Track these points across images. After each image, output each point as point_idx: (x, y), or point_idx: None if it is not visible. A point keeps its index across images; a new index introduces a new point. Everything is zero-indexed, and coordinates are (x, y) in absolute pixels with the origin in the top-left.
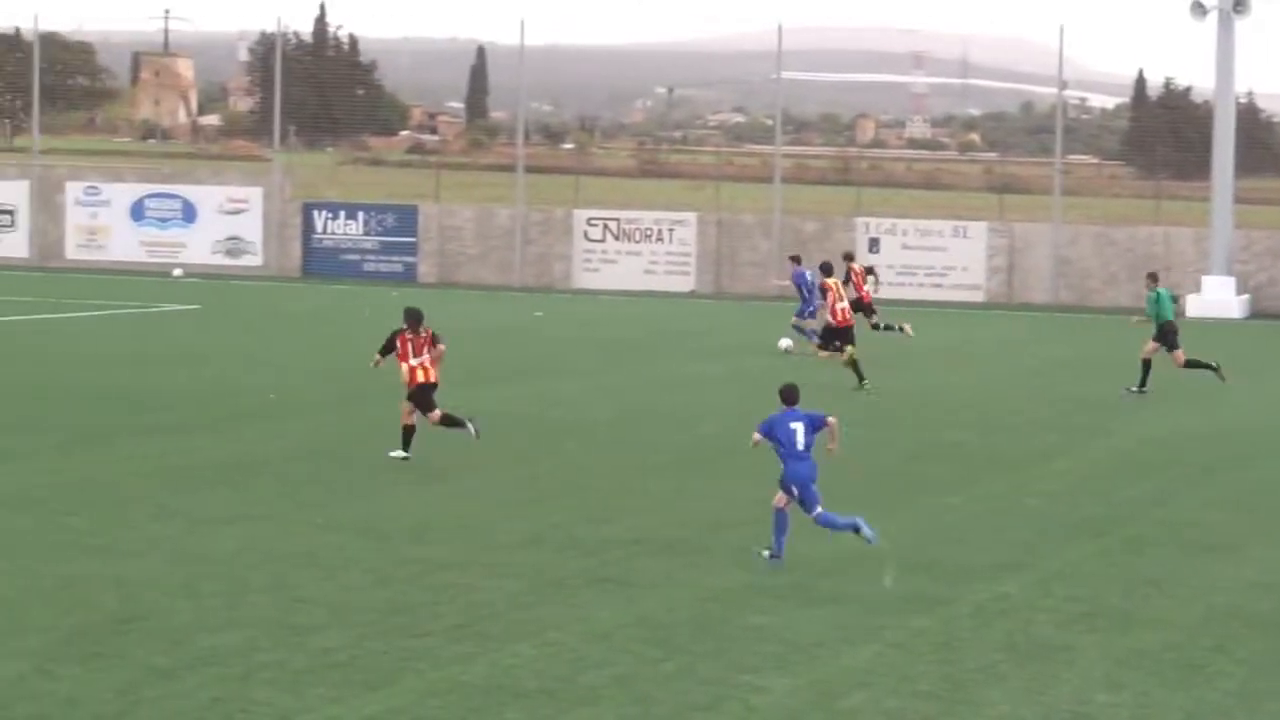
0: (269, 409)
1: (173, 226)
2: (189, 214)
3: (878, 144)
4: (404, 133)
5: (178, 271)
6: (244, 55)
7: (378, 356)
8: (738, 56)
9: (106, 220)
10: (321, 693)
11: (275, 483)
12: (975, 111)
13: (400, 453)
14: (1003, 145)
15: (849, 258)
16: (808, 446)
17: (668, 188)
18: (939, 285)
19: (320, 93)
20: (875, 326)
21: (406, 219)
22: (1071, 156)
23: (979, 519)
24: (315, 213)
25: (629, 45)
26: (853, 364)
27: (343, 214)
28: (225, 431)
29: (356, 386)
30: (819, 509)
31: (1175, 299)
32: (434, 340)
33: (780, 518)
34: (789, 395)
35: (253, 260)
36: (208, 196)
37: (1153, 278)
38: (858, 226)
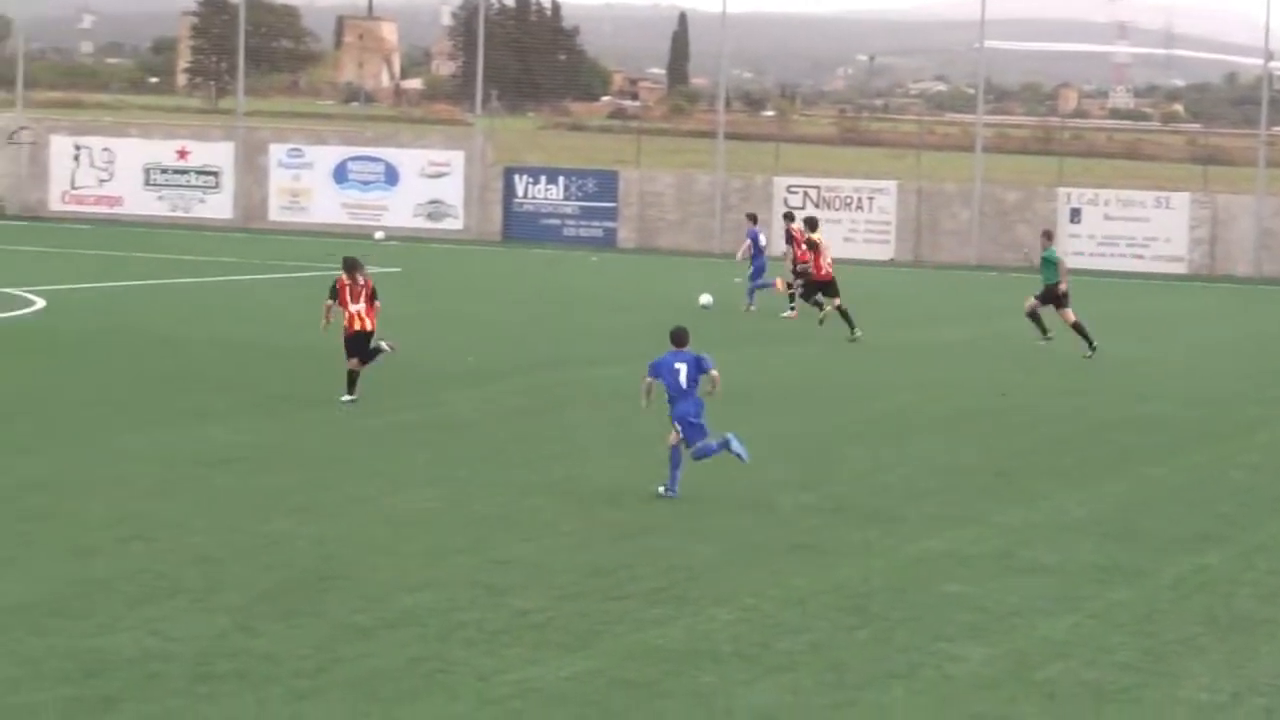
0: (468, 372)
1: (375, 189)
2: (391, 177)
3: (1080, 114)
4: (605, 98)
5: (379, 234)
6: (447, 19)
7: (328, 303)
8: (940, 25)
9: (309, 183)
10: (518, 653)
11: (475, 444)
12: (1179, 82)
13: (348, 397)
14: (1206, 117)
15: (788, 218)
16: (691, 384)
17: (868, 156)
18: (1140, 256)
19: (522, 57)
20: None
21: (607, 184)
22: (1277, 128)
23: (1181, 491)
24: (516, 177)
25: (831, 13)
26: (842, 314)
27: (544, 179)
28: (424, 394)
29: (555, 351)
30: (699, 444)
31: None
32: (373, 295)
33: (674, 454)
34: (678, 337)
35: (454, 224)
36: (410, 160)
37: (1047, 236)
38: (1059, 197)
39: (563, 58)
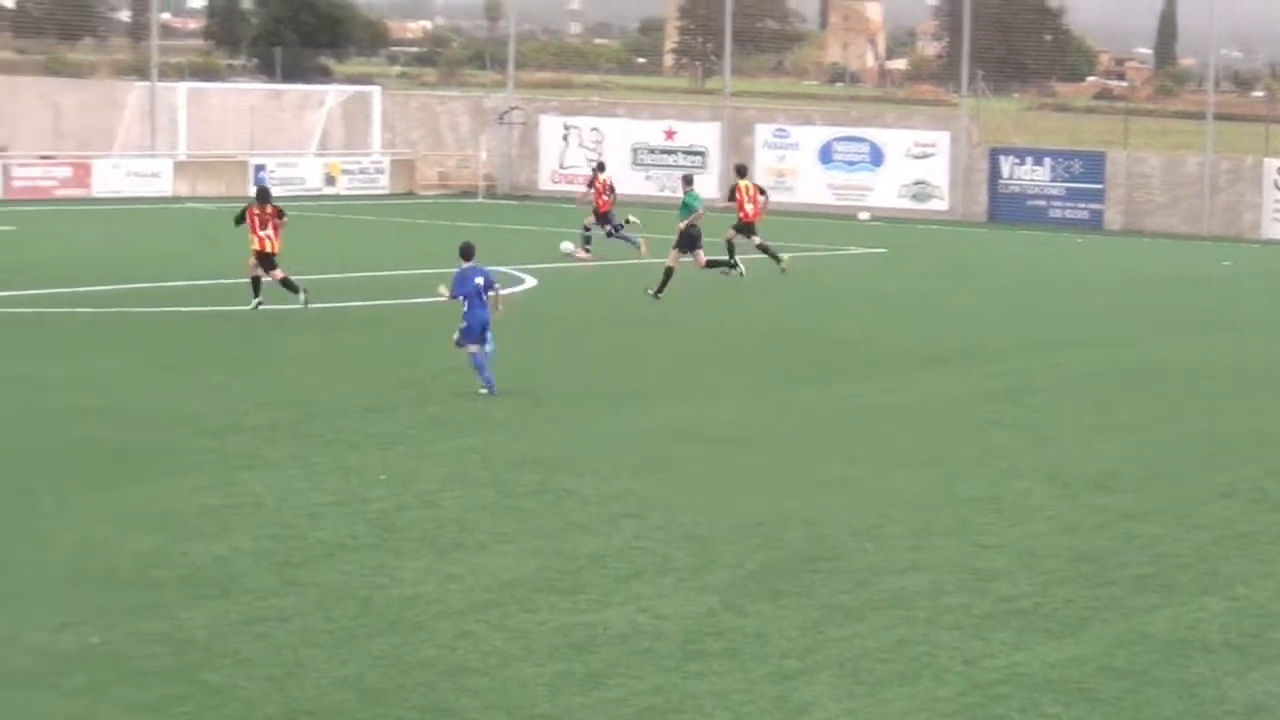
0: (950, 354)
1: (860, 170)
2: (876, 158)
3: None
4: (1091, 79)
5: (864, 215)
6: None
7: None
8: None
9: (794, 163)
10: (1005, 638)
11: (955, 427)
12: None
13: (256, 301)
14: None
15: (741, 172)
16: (484, 291)
17: None
18: None
19: (1007, 37)
20: (760, 248)
21: (1094, 166)
22: None
23: None
24: (1002, 158)
25: None
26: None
27: (1029, 160)
28: (901, 375)
29: (1034, 335)
30: (487, 348)
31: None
32: (279, 213)
33: (475, 360)
34: (467, 252)
35: (939, 205)
36: (895, 140)
37: (687, 180)
38: None
39: (1048, 38)
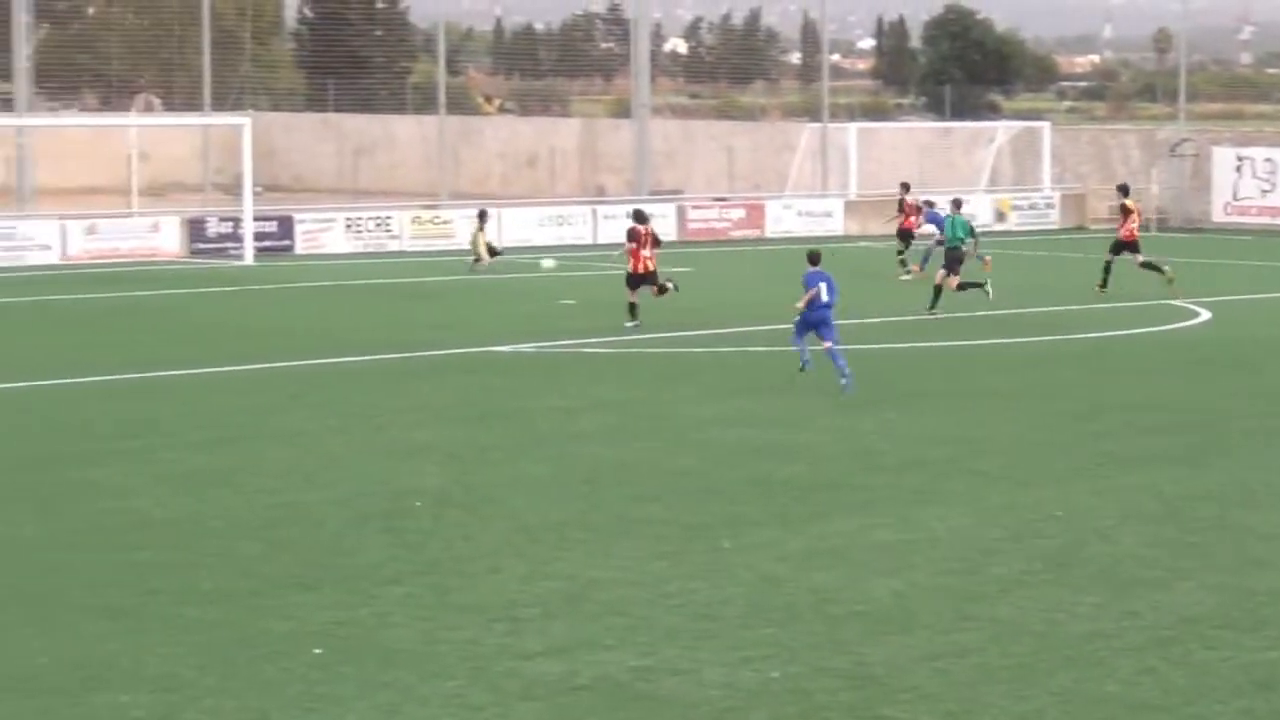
0: None
1: None
2: None
3: None
4: None
5: None
6: None
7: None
8: None
9: None
10: None
11: None
12: None
13: (630, 322)
14: None
15: (1124, 191)
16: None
17: None
18: None
19: None
20: (1145, 265)
21: None
22: None
23: None
24: None
25: None
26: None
27: None
28: None
29: None
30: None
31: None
32: (656, 240)
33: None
34: (815, 259)
35: None
36: None
37: (956, 204)
38: None
39: None
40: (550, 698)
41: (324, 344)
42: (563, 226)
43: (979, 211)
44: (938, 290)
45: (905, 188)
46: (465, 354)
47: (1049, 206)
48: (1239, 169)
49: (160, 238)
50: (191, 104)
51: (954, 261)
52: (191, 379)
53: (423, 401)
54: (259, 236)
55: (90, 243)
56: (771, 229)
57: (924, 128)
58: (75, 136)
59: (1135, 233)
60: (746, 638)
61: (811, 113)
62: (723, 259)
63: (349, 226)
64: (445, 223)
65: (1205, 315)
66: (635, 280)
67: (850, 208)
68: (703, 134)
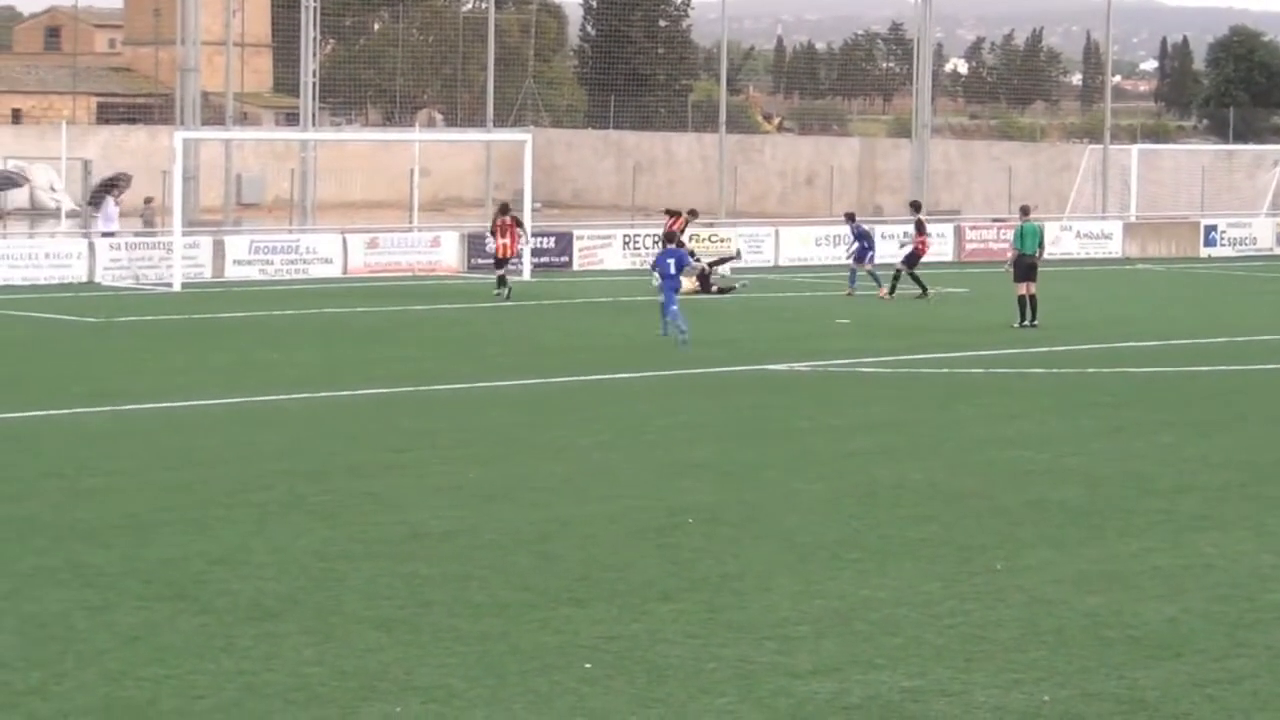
0: None
1: None
2: None
3: None
4: None
5: None
6: None
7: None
8: None
9: None
10: None
11: None
12: None
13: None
14: None
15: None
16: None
17: None
18: None
19: None
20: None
21: None
22: None
23: None
24: None
25: None
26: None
27: None
28: None
29: None
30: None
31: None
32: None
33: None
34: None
35: None
36: None
37: (1024, 211)
38: None
39: None
40: (821, 716)
41: (600, 359)
42: (838, 246)
43: (1260, 235)
44: (1026, 301)
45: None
46: (738, 372)
47: None
48: None
49: (440, 252)
50: (474, 120)
51: (1028, 269)
52: (467, 393)
53: (695, 418)
54: (537, 253)
55: (371, 256)
56: (1049, 250)
57: (1207, 150)
58: (358, 151)
59: (925, 247)
60: (1017, 660)
61: (1092, 134)
62: (999, 280)
63: (626, 243)
64: (724, 241)
65: None
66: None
67: (1130, 229)
68: (982, 154)
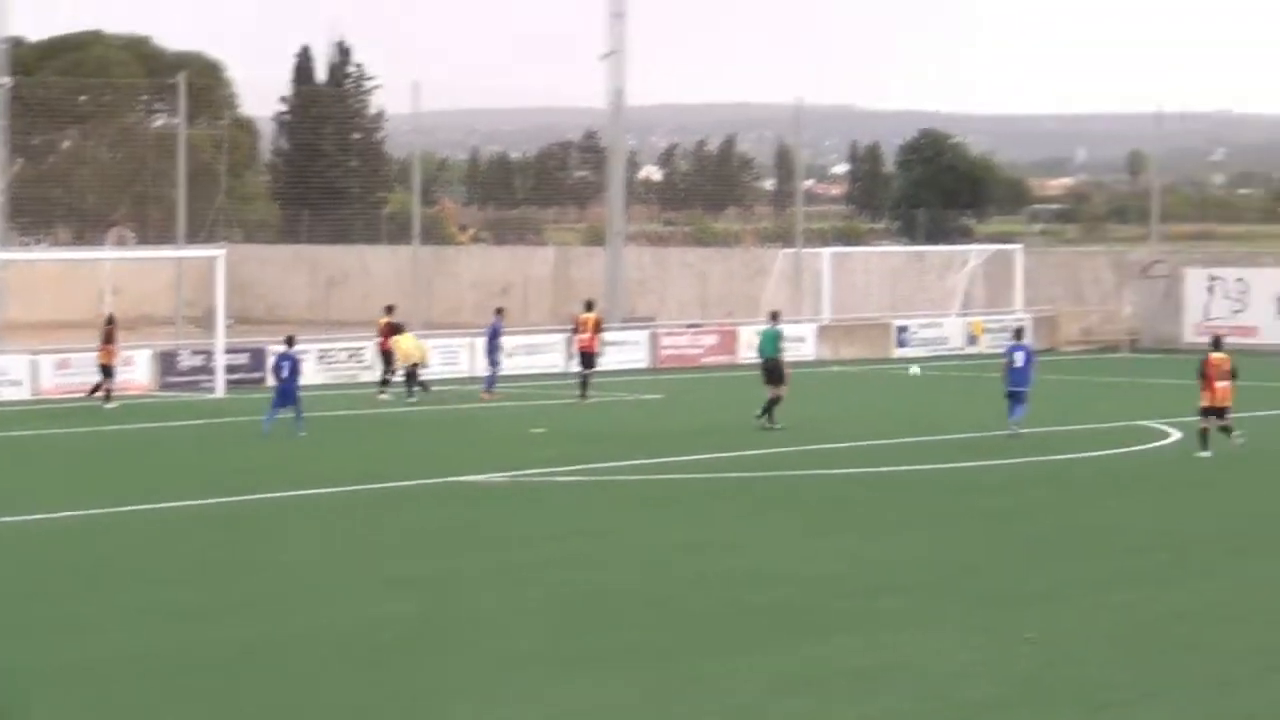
0: None
1: None
2: None
3: None
4: None
5: None
6: None
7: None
8: None
9: None
10: None
11: None
12: None
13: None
14: None
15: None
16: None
17: None
18: None
19: None
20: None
21: None
22: None
23: None
24: None
25: None
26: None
27: None
28: None
29: None
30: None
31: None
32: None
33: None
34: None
35: None
36: None
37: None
38: None
39: None
40: None
41: (304, 477)
42: (533, 355)
43: (952, 335)
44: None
45: (389, 310)
46: (434, 485)
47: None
48: (1210, 289)
49: (133, 371)
50: (165, 237)
51: (768, 373)
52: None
53: (394, 534)
54: (231, 369)
55: (62, 377)
56: (745, 354)
57: (897, 252)
58: (48, 271)
59: (594, 344)
60: None
61: (785, 238)
62: (694, 385)
63: (321, 357)
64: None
65: (1175, 436)
66: None
67: (823, 332)
68: (676, 261)
